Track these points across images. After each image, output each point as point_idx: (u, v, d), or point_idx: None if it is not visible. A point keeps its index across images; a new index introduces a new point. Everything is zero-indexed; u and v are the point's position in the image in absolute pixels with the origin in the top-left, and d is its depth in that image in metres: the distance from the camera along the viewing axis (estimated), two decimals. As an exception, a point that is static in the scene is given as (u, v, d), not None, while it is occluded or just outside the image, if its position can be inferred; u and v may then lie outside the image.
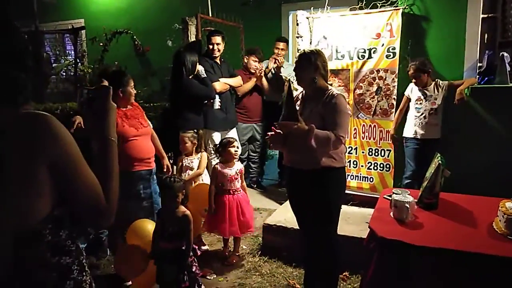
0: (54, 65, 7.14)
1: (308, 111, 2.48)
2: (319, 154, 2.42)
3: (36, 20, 5.61)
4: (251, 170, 5.03)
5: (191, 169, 3.59)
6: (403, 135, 3.90)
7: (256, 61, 4.81)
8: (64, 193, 1.10)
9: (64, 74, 6.98)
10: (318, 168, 2.45)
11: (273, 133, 2.45)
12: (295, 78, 2.61)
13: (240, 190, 3.43)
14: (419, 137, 3.78)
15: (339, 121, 2.41)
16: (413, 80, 3.73)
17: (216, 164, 3.48)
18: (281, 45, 4.92)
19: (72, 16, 6.87)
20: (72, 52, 6.87)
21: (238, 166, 3.44)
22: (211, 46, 4.29)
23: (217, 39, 4.28)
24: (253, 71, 4.79)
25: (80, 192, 1.11)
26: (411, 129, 3.83)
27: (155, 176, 3.24)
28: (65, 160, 1.08)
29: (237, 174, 3.40)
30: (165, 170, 3.38)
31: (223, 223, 3.34)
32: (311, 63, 2.50)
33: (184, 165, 3.60)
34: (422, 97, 3.74)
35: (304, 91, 2.67)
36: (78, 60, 6.31)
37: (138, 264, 2.63)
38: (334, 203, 2.58)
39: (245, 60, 4.85)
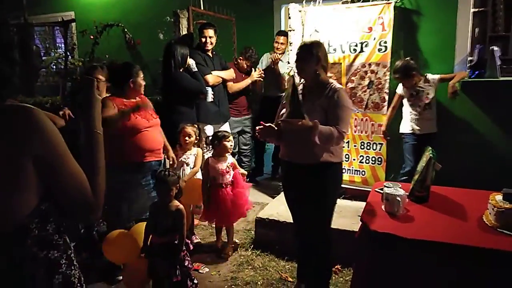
0: (44, 58, 7.05)
1: (310, 105, 2.45)
2: (318, 149, 2.41)
3: (25, 12, 5.52)
4: (243, 164, 5.03)
5: (187, 164, 3.57)
6: (400, 131, 3.93)
7: (248, 65, 4.86)
8: (50, 186, 1.10)
9: (54, 67, 6.89)
10: (316, 163, 2.45)
11: (261, 127, 2.44)
12: (295, 70, 2.58)
13: (230, 183, 3.44)
14: (416, 132, 3.80)
15: (342, 116, 2.40)
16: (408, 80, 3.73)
17: (208, 158, 3.49)
18: (281, 39, 4.90)
19: (62, 8, 6.75)
20: (62, 45, 6.79)
21: (229, 160, 3.45)
22: (203, 39, 4.26)
23: (210, 32, 4.25)
24: (243, 72, 4.82)
25: (66, 185, 1.11)
26: (407, 125, 3.86)
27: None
28: (50, 154, 1.07)
29: (228, 168, 3.41)
30: (171, 162, 3.40)
31: (219, 215, 3.41)
32: (313, 55, 2.45)
33: (179, 160, 3.57)
34: (414, 94, 3.76)
35: (304, 84, 2.63)
36: (68, 53, 6.23)
37: (126, 249, 2.65)
38: (331, 198, 2.59)
39: (239, 61, 4.84)
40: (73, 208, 1.16)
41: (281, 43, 4.89)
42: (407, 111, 3.85)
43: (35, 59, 6.50)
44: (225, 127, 4.42)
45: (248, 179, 5.05)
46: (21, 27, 5.70)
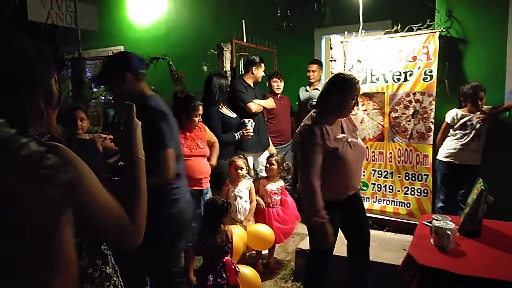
0: (94, 89, 7.42)
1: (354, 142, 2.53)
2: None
3: (80, 47, 5.87)
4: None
5: (240, 197, 3.55)
6: (437, 157, 3.80)
7: (276, 81, 4.82)
8: (83, 223, 0.99)
9: (103, 98, 7.23)
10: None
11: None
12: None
13: (278, 204, 3.66)
14: (457, 162, 3.68)
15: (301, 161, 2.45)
16: (477, 102, 3.58)
17: (260, 178, 3.81)
18: (314, 67, 4.98)
19: (112, 43, 7.15)
20: (112, 77, 7.12)
21: (280, 183, 3.72)
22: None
23: (262, 66, 4.41)
24: (277, 92, 4.83)
25: (101, 220, 1.02)
26: (448, 153, 3.74)
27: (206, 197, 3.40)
28: (82, 195, 0.95)
29: (278, 190, 3.65)
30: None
31: None
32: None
33: (233, 194, 3.54)
34: (467, 124, 3.64)
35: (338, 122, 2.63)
36: (117, 85, 6.53)
37: None
38: None
39: (278, 82, 4.86)
40: (111, 239, 1.10)
41: (313, 71, 4.97)
42: (453, 140, 3.73)
43: (86, 91, 6.85)
44: (265, 155, 4.41)
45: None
46: (75, 61, 6.06)
